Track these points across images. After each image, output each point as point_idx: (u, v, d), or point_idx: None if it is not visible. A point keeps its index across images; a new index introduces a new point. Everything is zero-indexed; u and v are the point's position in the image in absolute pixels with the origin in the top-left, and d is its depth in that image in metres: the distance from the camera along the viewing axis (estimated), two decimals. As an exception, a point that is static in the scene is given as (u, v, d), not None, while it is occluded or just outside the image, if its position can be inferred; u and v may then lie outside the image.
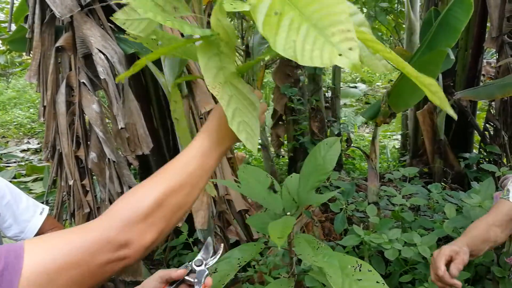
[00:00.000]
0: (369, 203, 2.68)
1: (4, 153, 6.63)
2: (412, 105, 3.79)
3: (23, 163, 6.05)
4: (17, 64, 11.54)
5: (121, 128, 1.96)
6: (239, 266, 1.39)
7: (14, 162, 6.23)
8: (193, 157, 0.95)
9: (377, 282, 1.24)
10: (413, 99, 2.37)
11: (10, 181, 1.87)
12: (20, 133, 8.30)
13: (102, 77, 1.92)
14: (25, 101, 10.72)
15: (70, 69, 2.09)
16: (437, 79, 3.56)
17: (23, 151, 6.99)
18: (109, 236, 0.82)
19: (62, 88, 2.07)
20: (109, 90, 1.97)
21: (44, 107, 2.10)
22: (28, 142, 7.70)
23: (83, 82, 2.05)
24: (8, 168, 5.74)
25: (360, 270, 1.29)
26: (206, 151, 0.97)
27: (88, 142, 2.17)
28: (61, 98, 2.08)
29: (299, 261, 2.21)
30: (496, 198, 1.93)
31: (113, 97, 1.96)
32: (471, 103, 3.94)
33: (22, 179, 5.14)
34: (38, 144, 7.43)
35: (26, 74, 2.06)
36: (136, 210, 0.85)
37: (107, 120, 2.19)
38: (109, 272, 0.83)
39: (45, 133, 2.18)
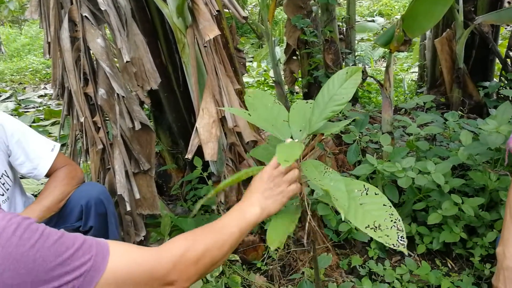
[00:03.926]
0: (383, 133, 2.64)
1: (22, 99, 6.71)
2: (428, 29, 3.64)
3: (41, 108, 6.11)
4: (28, 9, 11.41)
5: (127, 61, 1.92)
6: (248, 174, 1.39)
7: (33, 108, 6.30)
8: (239, 227, 1.14)
9: (383, 205, 1.22)
10: (428, 22, 2.26)
11: (30, 126, 1.89)
12: (36, 79, 8.35)
13: (103, 9, 1.87)
14: (39, 47, 10.70)
15: (72, 3, 2.03)
16: (457, 3, 3.39)
17: (40, 96, 7.04)
18: (167, 272, 0.96)
19: (65, 23, 2.02)
20: (112, 23, 1.91)
21: (49, 43, 2.07)
22: (45, 88, 7.75)
23: (86, 16, 2.00)
24: (27, 113, 5.82)
25: (367, 194, 1.27)
26: (252, 222, 1.18)
27: (96, 79, 2.15)
28: (65, 33, 2.04)
29: (313, 192, 2.22)
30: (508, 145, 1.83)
31: (116, 29, 1.91)
32: (493, 29, 3.77)
33: (41, 123, 5.21)
34: (52, 92, 7.46)
35: (27, 10, 2.02)
36: (190, 251, 1.01)
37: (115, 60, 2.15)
38: None
39: (52, 70, 2.16)
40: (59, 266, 0.81)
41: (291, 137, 1.49)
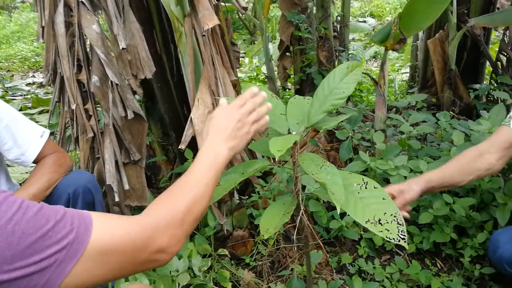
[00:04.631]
0: (375, 131, 2.64)
1: (10, 87, 6.60)
2: (424, 28, 3.64)
3: (29, 96, 6.02)
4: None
5: (123, 48, 1.89)
6: (244, 176, 1.38)
7: (20, 95, 6.20)
8: (213, 174, 1.12)
9: (383, 198, 1.22)
10: (425, 21, 2.27)
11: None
12: (25, 66, 8.22)
13: (100, -6, 1.84)
14: (29, 35, 10.53)
15: (67, -13, 1.99)
16: (451, 5, 3.41)
17: (28, 84, 6.93)
18: (153, 239, 0.93)
19: (60, 8, 1.98)
20: (109, 9, 1.88)
21: (43, 28, 2.02)
22: (33, 76, 7.63)
23: (82, 1, 1.96)
24: (14, 101, 5.73)
25: (366, 188, 1.27)
26: (223, 165, 1.16)
27: (90, 66, 2.11)
28: (60, 18, 1.99)
29: (304, 188, 2.21)
30: None
31: (113, 15, 1.88)
32: (485, 32, 3.80)
33: (29, 111, 5.12)
34: (44, 78, 7.35)
35: (21, -9, 1.97)
36: (173, 215, 0.98)
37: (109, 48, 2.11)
38: (143, 268, 0.96)
39: (45, 55, 2.11)
40: (40, 239, 0.77)
41: (288, 130, 1.48)
